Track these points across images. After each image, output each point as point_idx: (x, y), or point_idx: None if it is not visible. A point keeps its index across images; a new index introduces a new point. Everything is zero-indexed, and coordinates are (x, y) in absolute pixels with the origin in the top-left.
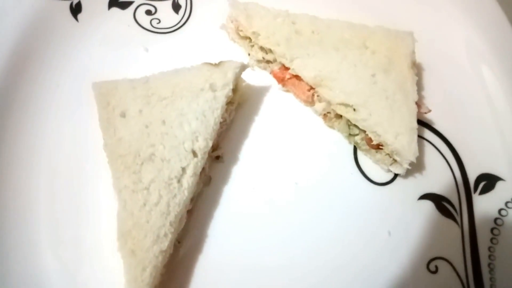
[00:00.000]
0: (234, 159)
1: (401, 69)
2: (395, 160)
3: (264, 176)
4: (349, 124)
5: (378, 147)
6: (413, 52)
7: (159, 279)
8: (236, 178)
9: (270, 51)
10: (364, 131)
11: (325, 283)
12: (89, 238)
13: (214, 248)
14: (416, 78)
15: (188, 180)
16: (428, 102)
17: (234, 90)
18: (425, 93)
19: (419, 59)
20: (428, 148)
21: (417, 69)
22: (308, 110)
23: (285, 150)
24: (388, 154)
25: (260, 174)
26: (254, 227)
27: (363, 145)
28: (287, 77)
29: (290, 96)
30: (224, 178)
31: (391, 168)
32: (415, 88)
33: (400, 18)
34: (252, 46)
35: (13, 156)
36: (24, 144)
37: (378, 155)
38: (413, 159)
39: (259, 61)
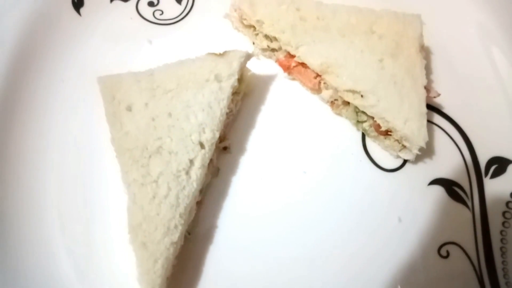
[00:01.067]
0: (241, 149)
1: (409, 53)
2: (404, 146)
3: (272, 166)
4: (357, 111)
5: (387, 133)
6: (421, 36)
7: (171, 271)
8: (244, 169)
9: (275, 39)
10: (372, 118)
11: (336, 270)
12: (100, 232)
13: (224, 238)
14: (425, 61)
15: (197, 172)
16: (438, 86)
17: (240, 80)
18: (434, 77)
19: (428, 42)
20: (437, 132)
21: (426, 52)
22: (315, 98)
23: (293, 139)
24: (397, 140)
25: (268, 164)
26: (264, 217)
27: (372, 131)
28: (292, 65)
29: (296, 84)
30: (232, 168)
31: (400, 154)
32: (424, 72)
33: (408, 1)
34: (257, 34)
35: (21, 153)
36: (31, 141)
37: (387, 141)
38: (423, 144)
39: (264, 50)
